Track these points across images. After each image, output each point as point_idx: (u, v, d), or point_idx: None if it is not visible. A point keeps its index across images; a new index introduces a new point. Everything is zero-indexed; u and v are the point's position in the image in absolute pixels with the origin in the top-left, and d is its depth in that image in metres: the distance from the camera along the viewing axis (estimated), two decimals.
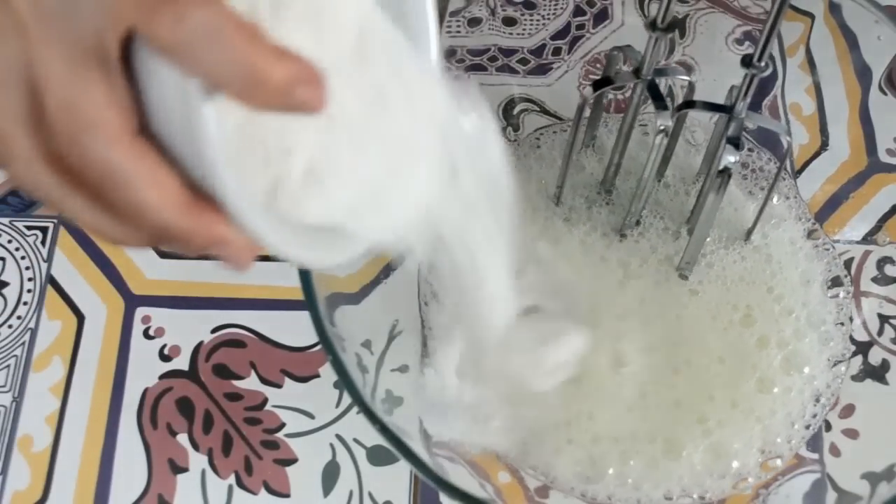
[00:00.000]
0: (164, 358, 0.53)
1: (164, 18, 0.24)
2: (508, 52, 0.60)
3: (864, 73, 0.54)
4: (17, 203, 0.58)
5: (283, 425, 0.51)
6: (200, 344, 0.53)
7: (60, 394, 0.52)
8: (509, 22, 0.61)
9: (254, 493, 0.49)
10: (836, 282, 0.54)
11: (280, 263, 0.55)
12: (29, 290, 0.55)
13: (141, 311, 0.54)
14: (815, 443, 0.49)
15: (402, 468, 0.50)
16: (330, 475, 0.50)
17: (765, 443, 0.49)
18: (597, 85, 0.49)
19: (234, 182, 0.26)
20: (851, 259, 0.54)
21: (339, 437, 0.51)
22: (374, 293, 0.48)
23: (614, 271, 0.53)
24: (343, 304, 0.44)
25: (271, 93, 0.25)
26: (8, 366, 0.52)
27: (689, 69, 0.59)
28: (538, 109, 0.59)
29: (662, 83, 0.50)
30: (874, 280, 0.53)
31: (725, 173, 0.46)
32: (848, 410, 0.50)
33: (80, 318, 0.54)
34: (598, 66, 0.60)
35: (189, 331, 0.54)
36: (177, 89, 0.25)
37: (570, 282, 0.53)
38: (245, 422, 0.51)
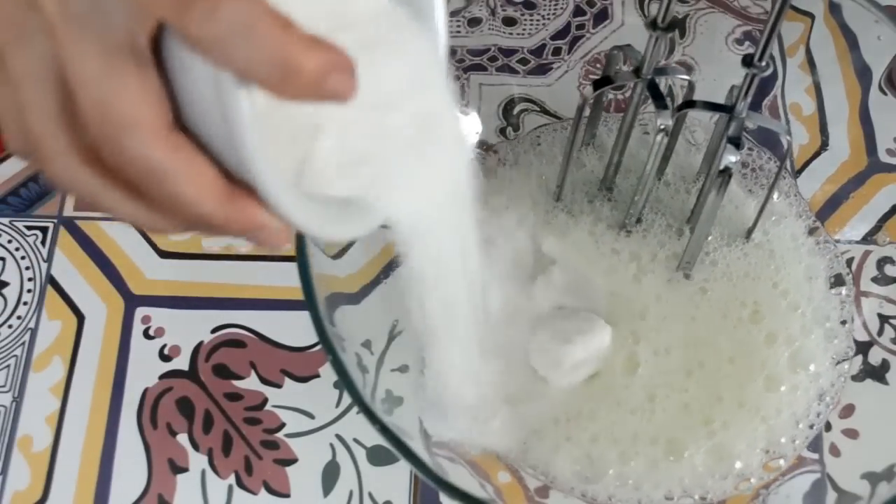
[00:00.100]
0: (164, 358, 0.53)
1: (194, 14, 0.24)
2: (508, 52, 0.60)
3: (864, 73, 0.53)
4: (17, 203, 0.58)
5: (283, 425, 0.51)
6: (200, 344, 0.53)
7: (60, 394, 0.52)
8: (509, 22, 0.61)
9: (254, 493, 0.49)
10: (838, 279, 0.54)
11: (280, 263, 0.55)
12: (29, 290, 0.55)
13: (141, 311, 0.54)
14: (815, 443, 0.49)
15: (402, 468, 0.50)
16: (330, 475, 0.50)
17: (769, 443, 0.49)
18: (597, 84, 0.49)
19: (269, 168, 0.26)
20: (851, 259, 0.54)
21: (339, 437, 0.51)
22: (374, 293, 0.48)
23: (627, 266, 0.53)
24: (343, 304, 0.44)
25: (304, 84, 0.25)
26: (8, 366, 0.52)
27: (689, 69, 0.58)
28: (538, 109, 0.59)
29: (662, 83, 0.50)
30: (874, 280, 0.53)
31: (726, 173, 0.46)
32: (848, 410, 0.50)
33: (80, 318, 0.54)
34: (598, 65, 0.60)
35: (189, 331, 0.54)
36: (209, 79, 0.25)
37: (589, 279, 0.53)
38: (245, 422, 0.51)
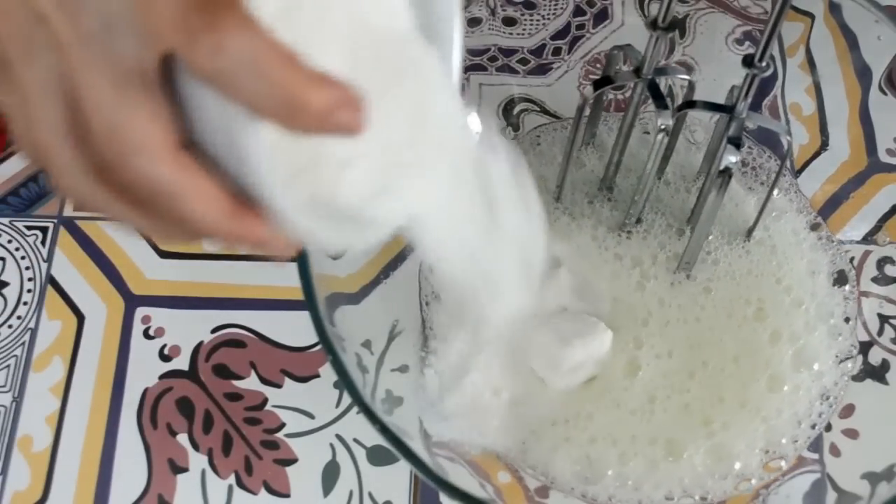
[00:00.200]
0: (164, 358, 0.53)
1: (202, 49, 0.24)
2: (508, 52, 0.60)
3: (864, 73, 0.53)
4: (17, 203, 0.58)
5: (283, 425, 0.51)
6: (200, 344, 0.53)
7: (60, 394, 0.52)
8: (509, 22, 0.61)
9: (254, 493, 0.49)
10: (841, 276, 0.54)
11: (280, 264, 0.55)
12: (29, 290, 0.55)
13: (141, 311, 0.54)
14: (815, 443, 0.49)
15: (402, 468, 0.50)
16: (330, 475, 0.50)
17: (768, 443, 0.49)
18: (597, 84, 0.49)
19: (279, 190, 0.27)
20: (852, 259, 0.54)
21: (339, 437, 0.51)
22: (374, 293, 0.48)
23: (630, 272, 0.53)
24: (343, 304, 0.44)
25: (311, 119, 0.25)
26: (8, 366, 0.52)
27: (689, 69, 0.59)
28: (538, 109, 0.59)
29: (663, 83, 0.50)
30: (874, 280, 0.53)
31: (727, 173, 0.46)
32: (848, 410, 0.50)
33: (80, 318, 0.54)
34: (598, 65, 0.60)
35: (189, 331, 0.54)
36: (217, 104, 0.26)
37: (593, 283, 0.53)
38: (245, 422, 0.51)
